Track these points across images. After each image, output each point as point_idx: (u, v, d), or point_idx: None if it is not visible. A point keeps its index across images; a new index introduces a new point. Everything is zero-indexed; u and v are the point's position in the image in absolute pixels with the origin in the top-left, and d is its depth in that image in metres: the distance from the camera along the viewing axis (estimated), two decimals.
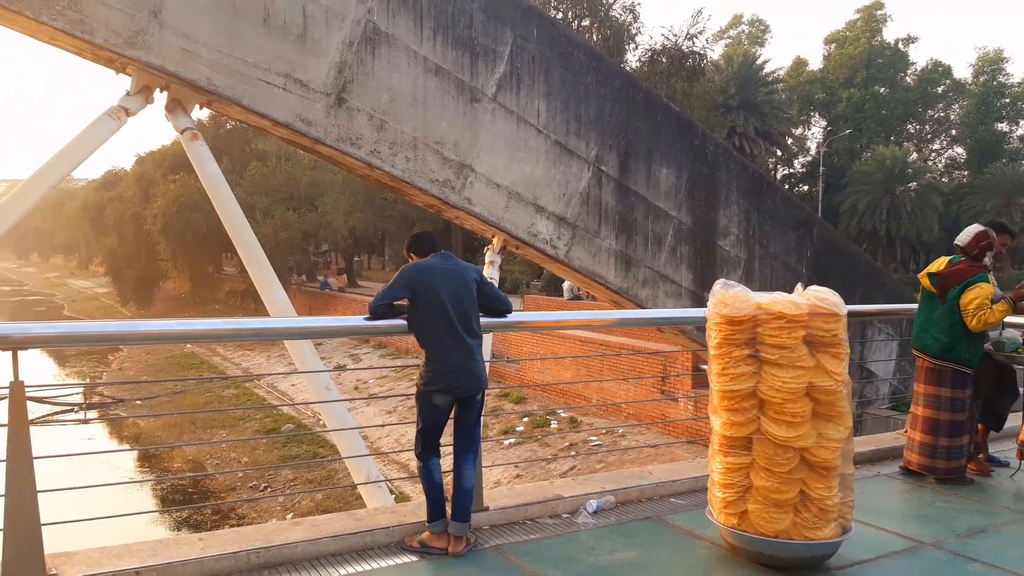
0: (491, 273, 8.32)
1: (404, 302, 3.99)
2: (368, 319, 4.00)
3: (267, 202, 36.06)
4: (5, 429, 3.28)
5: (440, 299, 3.92)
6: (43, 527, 3.31)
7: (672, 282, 9.66)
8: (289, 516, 15.26)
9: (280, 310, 6.69)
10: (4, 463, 3.25)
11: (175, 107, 7.05)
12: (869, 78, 49.43)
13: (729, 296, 3.90)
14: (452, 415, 4.09)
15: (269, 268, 6.93)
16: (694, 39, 28.11)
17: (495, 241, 8.42)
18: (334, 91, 7.14)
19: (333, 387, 6.84)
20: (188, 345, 33.18)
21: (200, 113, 7.77)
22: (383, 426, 19.08)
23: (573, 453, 15.77)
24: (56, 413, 24.25)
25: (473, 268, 4.17)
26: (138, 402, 26.86)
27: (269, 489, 17.39)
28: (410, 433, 4.19)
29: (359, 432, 7.91)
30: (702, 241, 9.93)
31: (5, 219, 6.06)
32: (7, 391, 3.30)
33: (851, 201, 43.01)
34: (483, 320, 4.21)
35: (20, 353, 3.34)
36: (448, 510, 4.04)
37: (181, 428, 23.09)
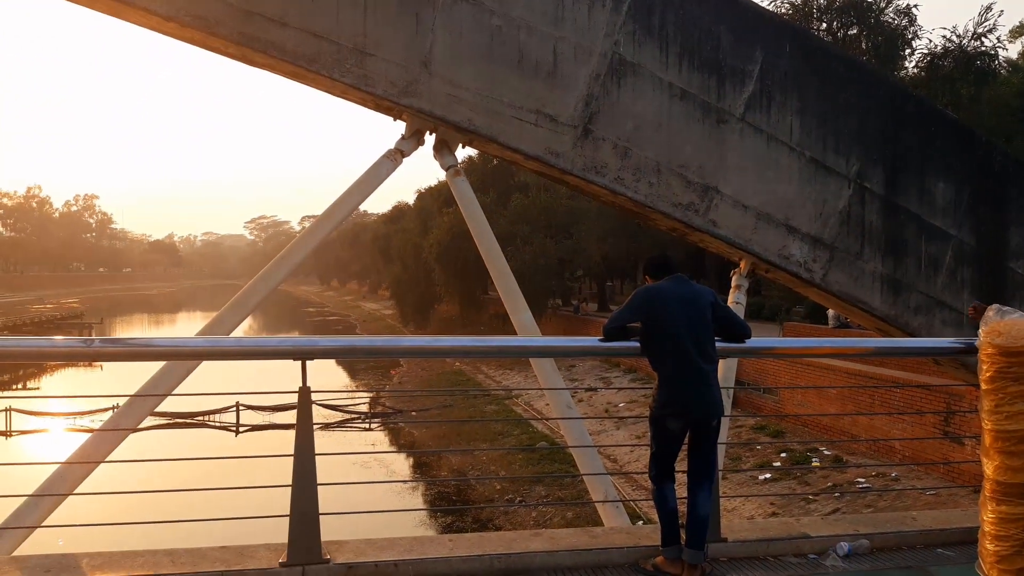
0: (737, 298, 8.06)
1: (637, 324, 4.06)
2: (602, 340, 4.13)
3: (527, 231, 37.98)
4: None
5: (672, 322, 3.94)
6: (321, 516, 3.81)
7: (952, 309, 8.64)
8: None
9: (526, 330, 7.09)
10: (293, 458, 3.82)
11: (441, 147, 7.76)
12: None
13: (1004, 324, 3.51)
14: (686, 440, 4.07)
15: (518, 292, 7.36)
16: (982, 38, 24.99)
17: (742, 264, 8.15)
18: (580, 123, 7.43)
19: (573, 406, 7.06)
20: (456, 363, 35.90)
21: (470, 150, 8.47)
22: (619, 445, 19.11)
23: (837, 494, 14.56)
24: (347, 420, 27.47)
25: (708, 291, 4.13)
26: (413, 413, 29.52)
27: (523, 502, 18.16)
28: None
29: (597, 451, 8.05)
30: (989, 263, 8.78)
31: (301, 249, 7.13)
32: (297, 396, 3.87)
33: None
34: (720, 345, 4.15)
35: (308, 363, 3.91)
36: (683, 536, 4.01)
37: (448, 439, 24.98)
